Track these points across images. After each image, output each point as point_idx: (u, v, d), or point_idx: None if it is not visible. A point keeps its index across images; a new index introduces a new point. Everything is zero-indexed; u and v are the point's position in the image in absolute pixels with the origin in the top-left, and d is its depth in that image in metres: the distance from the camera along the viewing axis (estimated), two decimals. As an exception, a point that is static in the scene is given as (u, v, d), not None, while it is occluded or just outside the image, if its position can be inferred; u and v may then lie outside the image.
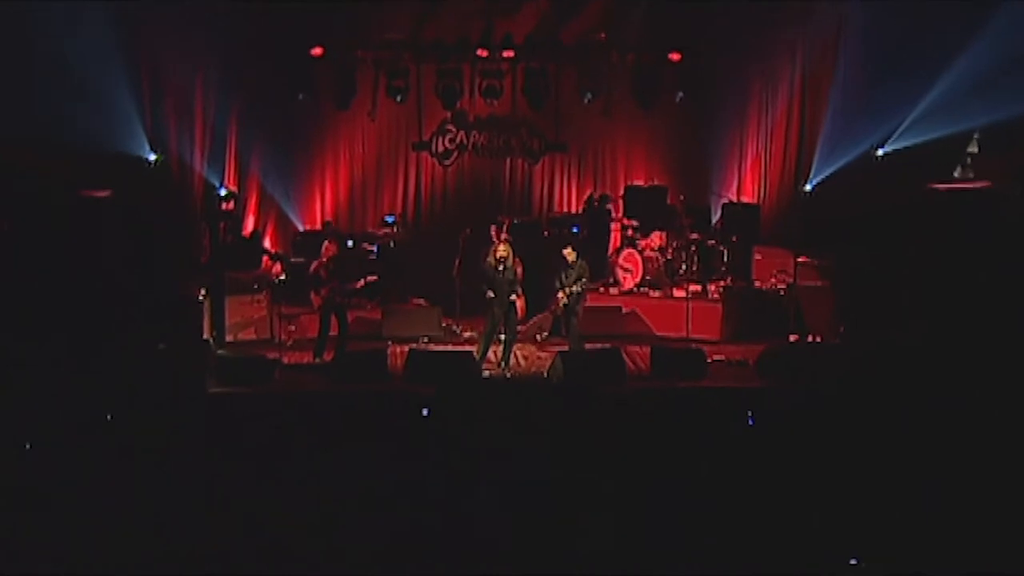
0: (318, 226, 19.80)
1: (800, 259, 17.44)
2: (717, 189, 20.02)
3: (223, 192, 18.64)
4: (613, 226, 19.98)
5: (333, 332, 16.12)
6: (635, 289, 18.56)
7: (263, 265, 18.50)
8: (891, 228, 16.45)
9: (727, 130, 20.24)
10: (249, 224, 19.38)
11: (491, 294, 15.50)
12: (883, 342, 15.27)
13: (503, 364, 15.87)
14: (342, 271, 16.12)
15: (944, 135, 17.23)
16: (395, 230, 19.45)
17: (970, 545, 9.71)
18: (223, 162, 18.91)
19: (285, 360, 15.94)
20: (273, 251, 19.03)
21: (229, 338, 17.08)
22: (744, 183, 20.30)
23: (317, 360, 16.01)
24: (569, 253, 15.98)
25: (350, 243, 18.62)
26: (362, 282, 16.05)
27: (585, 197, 20.31)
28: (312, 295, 16.08)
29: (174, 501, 10.54)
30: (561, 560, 9.72)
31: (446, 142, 20.44)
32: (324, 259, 16.02)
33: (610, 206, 19.91)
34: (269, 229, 19.66)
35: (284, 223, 19.79)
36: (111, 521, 10.06)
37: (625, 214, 19.66)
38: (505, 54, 19.62)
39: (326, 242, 16.29)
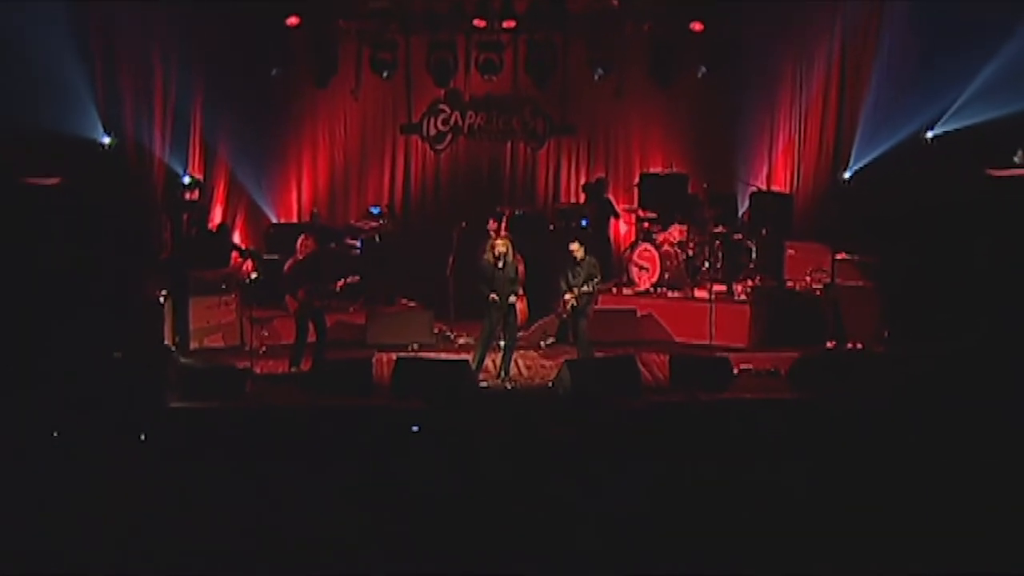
0: (294, 218, 19.79)
1: (839, 256, 17.41)
2: (744, 176, 19.96)
3: (186, 180, 18.58)
4: (617, 216, 20.02)
5: (311, 338, 16.11)
6: (652, 289, 18.51)
7: (232, 262, 18.47)
8: (943, 220, 16.42)
9: (756, 110, 20.16)
10: (216, 216, 19.35)
11: (494, 296, 15.48)
12: (933, 350, 15.26)
13: (502, 374, 15.85)
14: (320, 270, 16.11)
15: (1003, 114, 17.18)
16: (381, 223, 19.40)
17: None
18: (186, 146, 18.83)
19: (257, 370, 15.88)
20: (243, 247, 19.02)
21: (193, 345, 17.05)
22: (775, 170, 20.24)
23: (294, 369, 15.99)
24: (577, 249, 15.97)
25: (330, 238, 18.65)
26: (341, 283, 16.02)
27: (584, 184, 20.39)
28: (287, 298, 16.05)
29: (130, 529, 10.53)
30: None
31: (438, 124, 20.40)
32: (300, 256, 15.99)
33: (609, 195, 19.90)
34: (239, 222, 19.59)
35: (255, 215, 19.73)
36: (53, 551, 10.05)
37: (640, 205, 19.61)
38: (505, 24, 19.55)
39: (302, 237, 16.25)
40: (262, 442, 12.84)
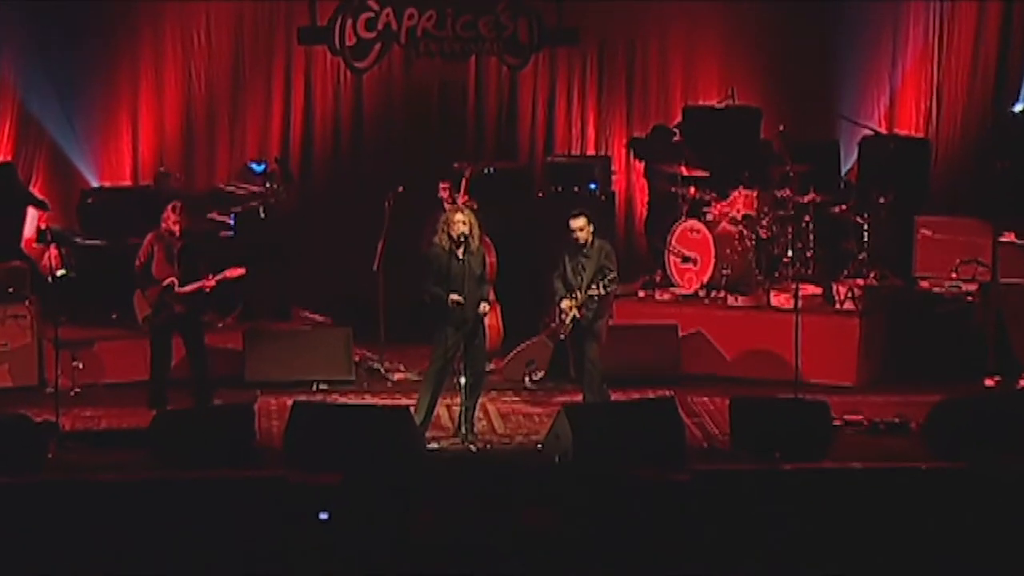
0: (127, 180, 19.88)
1: (1004, 238, 17.51)
2: (850, 113, 20.07)
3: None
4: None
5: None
6: (701, 293, 18.56)
7: (25, 244, 18.50)
8: None
9: (869, 9, 20.31)
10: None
11: (455, 299, 15.39)
12: None
13: (463, 429, 15.79)
14: (190, 258, 16.16)
15: None
16: (267, 188, 19.38)
17: None
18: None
19: (67, 425, 15.90)
20: (43, 225, 18.91)
21: (-36, 384, 17.06)
22: (899, 103, 20.44)
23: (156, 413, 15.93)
24: (582, 228, 15.88)
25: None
26: (212, 279, 15.98)
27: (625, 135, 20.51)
28: (137, 296, 16.00)
29: None
30: None
31: (360, 28, 20.41)
32: (167, 236, 15.87)
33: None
34: (35, 185, 19.63)
35: (64, 174, 19.83)
36: None
37: (684, 157, 19.59)
38: None
39: (169, 207, 16.14)
40: (74, 540, 12.70)
